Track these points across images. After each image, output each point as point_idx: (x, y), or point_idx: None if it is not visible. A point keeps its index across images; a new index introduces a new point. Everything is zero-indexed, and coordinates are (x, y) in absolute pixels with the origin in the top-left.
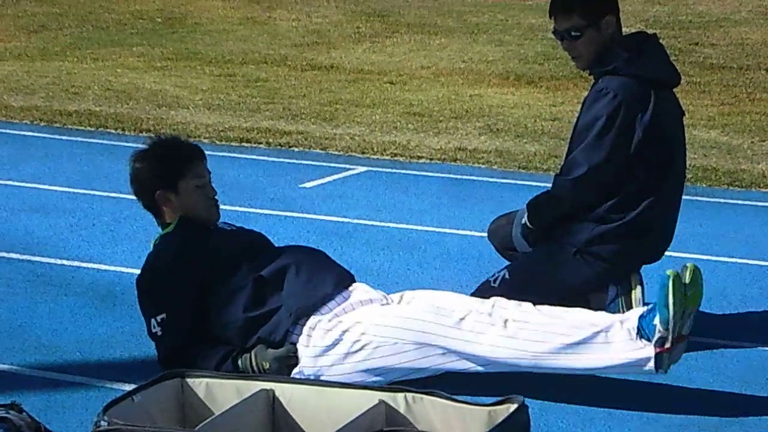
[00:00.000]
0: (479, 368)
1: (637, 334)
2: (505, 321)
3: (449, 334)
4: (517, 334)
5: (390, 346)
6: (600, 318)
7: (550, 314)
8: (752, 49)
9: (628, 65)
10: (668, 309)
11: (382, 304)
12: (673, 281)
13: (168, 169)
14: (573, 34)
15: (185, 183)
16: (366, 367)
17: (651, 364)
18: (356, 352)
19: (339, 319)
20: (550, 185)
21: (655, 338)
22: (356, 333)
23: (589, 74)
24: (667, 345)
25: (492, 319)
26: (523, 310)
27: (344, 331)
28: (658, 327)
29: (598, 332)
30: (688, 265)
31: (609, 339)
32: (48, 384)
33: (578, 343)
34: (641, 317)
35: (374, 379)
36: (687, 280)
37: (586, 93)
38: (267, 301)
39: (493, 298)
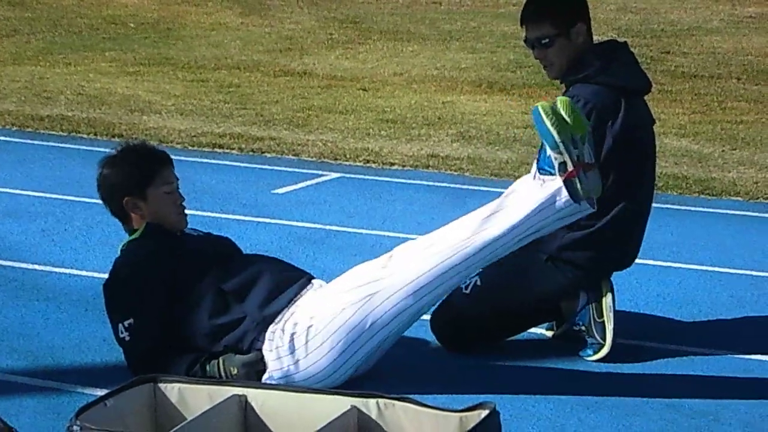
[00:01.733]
0: (429, 294)
1: (539, 174)
2: (427, 237)
3: (383, 275)
4: (440, 238)
5: (338, 316)
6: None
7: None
8: (723, 58)
9: (600, 73)
10: (551, 133)
11: None
12: (543, 107)
13: (136, 175)
14: (544, 42)
15: (154, 189)
16: (328, 349)
17: (564, 194)
18: (313, 338)
19: (292, 316)
20: None
21: (556, 166)
22: (306, 320)
23: (561, 83)
24: (570, 168)
25: (414, 241)
26: (441, 229)
27: (295, 324)
28: (553, 155)
29: (506, 195)
30: (558, 98)
31: (518, 194)
32: (20, 389)
33: (492, 213)
34: (537, 160)
35: (343, 359)
36: (561, 110)
37: None
38: (232, 310)
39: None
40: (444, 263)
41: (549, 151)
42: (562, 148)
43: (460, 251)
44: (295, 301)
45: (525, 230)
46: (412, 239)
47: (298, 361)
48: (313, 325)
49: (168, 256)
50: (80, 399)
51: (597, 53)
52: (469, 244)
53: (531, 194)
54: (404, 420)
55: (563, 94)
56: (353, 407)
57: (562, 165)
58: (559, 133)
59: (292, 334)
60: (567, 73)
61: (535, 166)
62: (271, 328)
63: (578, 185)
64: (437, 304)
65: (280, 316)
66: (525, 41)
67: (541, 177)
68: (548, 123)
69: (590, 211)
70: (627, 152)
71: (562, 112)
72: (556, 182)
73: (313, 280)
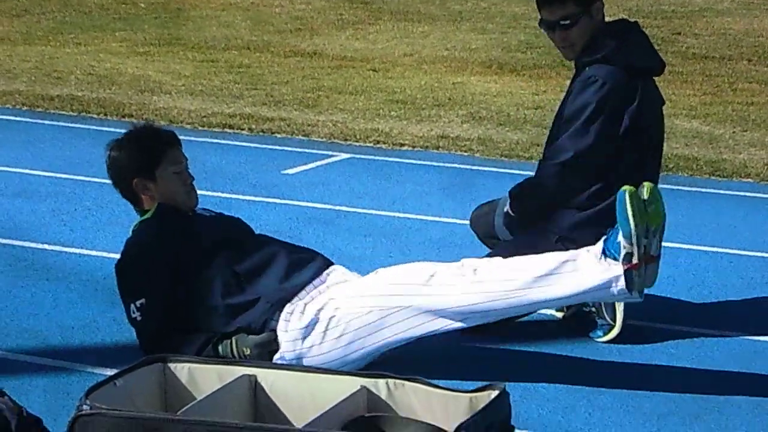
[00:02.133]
0: (456, 324)
1: (603, 255)
2: (475, 270)
3: (420, 292)
4: (487, 277)
5: (364, 315)
6: (566, 252)
7: (519, 259)
8: (734, 39)
9: (616, 54)
10: (628, 222)
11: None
12: (630, 195)
13: (144, 156)
14: (565, 23)
15: (162, 170)
16: (345, 342)
17: (621, 283)
18: (333, 328)
19: (314, 301)
20: (532, 173)
21: (622, 255)
22: (330, 309)
23: (575, 63)
24: (635, 260)
25: (461, 271)
26: (492, 260)
27: (319, 310)
28: (623, 243)
29: (566, 261)
30: (645, 183)
31: (577, 266)
32: (30, 368)
33: (547, 275)
34: (605, 240)
35: (356, 355)
36: (645, 197)
37: (568, 81)
38: (246, 290)
39: (462, 259)
40: (483, 305)
41: (620, 238)
42: (634, 240)
43: (503, 299)
44: (314, 285)
45: (569, 301)
46: (457, 262)
47: (312, 346)
48: (335, 316)
49: (180, 236)
50: (90, 379)
51: (612, 33)
52: (514, 296)
53: (590, 272)
54: (414, 400)
55: (575, 75)
56: (363, 387)
57: (628, 255)
58: (636, 225)
59: (313, 320)
60: (582, 54)
61: (601, 243)
62: (287, 308)
63: (636, 278)
64: None
65: (297, 298)
66: (543, 23)
67: (605, 259)
68: (629, 212)
69: (638, 300)
70: (641, 133)
71: (646, 199)
72: (618, 269)
73: (332, 266)
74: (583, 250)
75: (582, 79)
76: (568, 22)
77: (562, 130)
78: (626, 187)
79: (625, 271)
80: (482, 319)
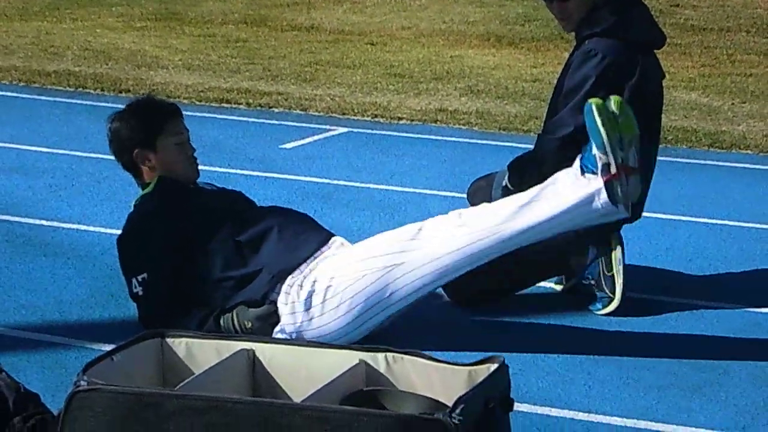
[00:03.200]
0: (453, 273)
1: (581, 172)
2: (459, 214)
3: (410, 247)
4: (472, 218)
5: (360, 281)
6: (546, 180)
7: (502, 199)
8: (733, 11)
9: (617, 27)
10: (599, 133)
11: None
12: (597, 106)
13: (145, 127)
14: None
15: (163, 140)
16: (344, 311)
17: (603, 196)
18: (330, 298)
19: (312, 273)
20: (531, 146)
21: (600, 167)
22: (326, 279)
23: (575, 36)
24: (613, 170)
25: (446, 218)
26: (477, 206)
27: (314, 281)
28: (598, 155)
29: (545, 187)
30: (612, 96)
31: (557, 188)
32: (27, 344)
33: (529, 201)
34: (581, 157)
35: (357, 323)
36: (613, 109)
37: (566, 54)
38: (248, 263)
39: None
40: (473, 245)
41: (594, 150)
42: (608, 149)
43: (491, 235)
44: (315, 257)
45: (557, 224)
46: (443, 214)
47: (312, 318)
48: (332, 286)
49: (181, 209)
50: (87, 354)
51: (612, 6)
52: (501, 230)
53: (570, 190)
54: (413, 374)
55: (575, 48)
56: (361, 361)
57: (606, 166)
58: (608, 133)
59: (310, 291)
60: (583, 27)
61: (578, 161)
62: (288, 281)
63: (618, 189)
64: None
65: (298, 271)
66: None
67: (584, 175)
68: (599, 122)
69: (624, 215)
70: (640, 106)
71: (615, 111)
72: (597, 182)
73: (333, 237)
74: (561, 172)
75: (582, 52)
76: None
77: (561, 104)
78: (592, 100)
79: (605, 183)
80: (477, 260)
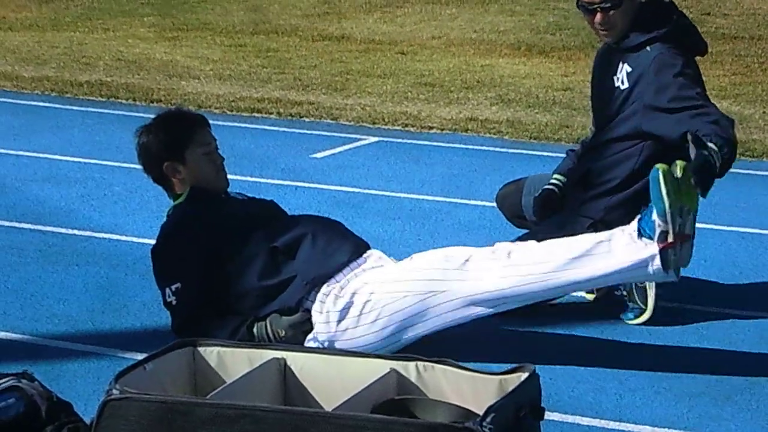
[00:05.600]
0: (490, 310)
1: (638, 235)
2: (509, 253)
3: (455, 277)
4: (522, 261)
5: (399, 300)
6: (601, 233)
7: (553, 242)
8: (764, 19)
9: (675, 33)
10: (662, 200)
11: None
12: (663, 173)
13: (173, 139)
14: (608, 5)
15: (192, 151)
16: (380, 327)
17: (657, 262)
18: (368, 312)
19: (350, 284)
20: (561, 155)
21: (657, 234)
22: (366, 293)
23: (618, 47)
24: (670, 239)
25: (495, 255)
26: (526, 243)
27: (354, 293)
28: (657, 221)
29: (600, 242)
30: (677, 162)
31: (611, 246)
32: (60, 353)
33: (581, 256)
34: (639, 219)
35: (390, 340)
36: (678, 174)
37: None
38: (282, 270)
39: (496, 244)
40: (520, 287)
41: (655, 216)
42: (668, 218)
43: (538, 282)
44: (352, 268)
45: (605, 281)
46: (491, 247)
47: (346, 329)
48: (370, 301)
49: (214, 218)
50: (120, 363)
51: (657, 15)
52: (550, 279)
53: (625, 252)
54: (443, 382)
55: (623, 54)
56: (392, 370)
57: (663, 234)
58: (671, 203)
59: (348, 303)
60: (635, 34)
61: (635, 223)
62: (323, 289)
63: (672, 257)
64: None
65: (334, 280)
66: (583, 6)
67: (641, 239)
68: (663, 190)
69: (673, 280)
70: None
71: (679, 177)
72: (653, 248)
73: (369, 249)
74: (617, 230)
75: (660, 55)
76: (609, 4)
77: (661, 101)
78: (659, 165)
79: (661, 250)
80: (516, 303)
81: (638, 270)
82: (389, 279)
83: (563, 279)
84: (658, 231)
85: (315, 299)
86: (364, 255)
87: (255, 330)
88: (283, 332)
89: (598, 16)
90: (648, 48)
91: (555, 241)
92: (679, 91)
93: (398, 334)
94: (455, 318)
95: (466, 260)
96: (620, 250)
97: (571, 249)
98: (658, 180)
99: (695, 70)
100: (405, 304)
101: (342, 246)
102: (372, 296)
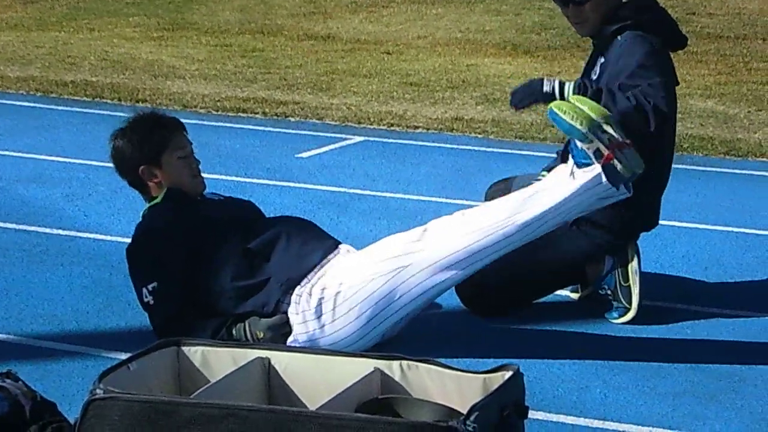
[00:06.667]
0: (463, 270)
1: (579, 167)
2: (463, 213)
3: (417, 248)
4: (478, 215)
5: (368, 284)
6: (544, 179)
7: (504, 196)
8: (749, 19)
9: (648, 23)
10: (574, 126)
11: None
12: (556, 106)
13: (149, 143)
14: None
15: (167, 156)
16: (356, 316)
17: (605, 178)
18: (341, 304)
19: (320, 281)
20: (549, 155)
21: (592, 156)
22: (335, 286)
23: (593, 40)
24: (605, 152)
25: (450, 218)
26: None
27: (323, 289)
28: (583, 146)
29: (548, 180)
30: (564, 91)
31: (559, 177)
32: (44, 353)
33: (535, 193)
34: (572, 156)
35: (369, 327)
36: (572, 101)
37: (583, 63)
38: (256, 272)
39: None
40: (481, 241)
41: (579, 144)
42: (590, 136)
43: (498, 230)
44: (322, 265)
45: (564, 210)
46: (448, 215)
47: (324, 325)
48: (341, 292)
49: (189, 218)
50: (104, 363)
51: (631, 8)
52: (508, 224)
53: (576, 181)
54: (428, 381)
55: (598, 50)
56: (376, 369)
57: (597, 152)
58: (581, 123)
59: (320, 299)
60: (607, 26)
61: (571, 162)
62: (297, 290)
63: (618, 166)
64: None
65: (306, 279)
66: (556, 0)
67: (581, 169)
68: (567, 118)
69: (626, 195)
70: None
71: (576, 103)
72: (596, 168)
73: (339, 245)
74: (560, 167)
75: (625, 41)
76: None
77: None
78: (552, 104)
79: (603, 167)
80: (489, 257)
81: (594, 189)
82: (354, 266)
83: (522, 219)
84: (591, 153)
85: (290, 301)
86: (334, 251)
87: (234, 331)
88: (262, 334)
89: (570, 9)
90: (618, 37)
91: (507, 195)
92: (631, 77)
93: (375, 319)
94: (430, 288)
95: (424, 231)
96: (568, 178)
97: (523, 192)
98: (557, 113)
99: (663, 59)
100: (375, 286)
101: (316, 248)
102: (341, 287)
